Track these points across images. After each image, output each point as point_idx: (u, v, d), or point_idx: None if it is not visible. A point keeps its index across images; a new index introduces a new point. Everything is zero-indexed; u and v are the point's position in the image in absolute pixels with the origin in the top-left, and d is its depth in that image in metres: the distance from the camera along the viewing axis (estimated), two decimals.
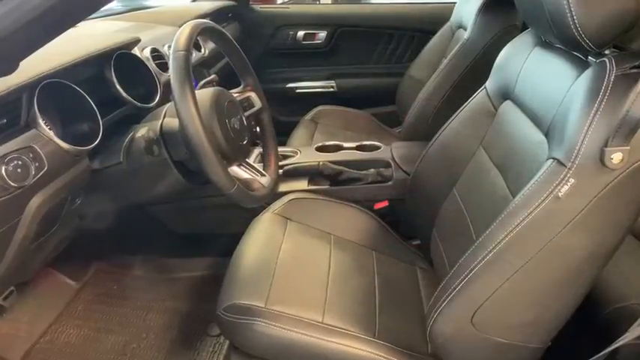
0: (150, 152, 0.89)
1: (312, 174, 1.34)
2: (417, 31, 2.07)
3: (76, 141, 0.86)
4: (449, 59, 1.42)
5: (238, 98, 1.02)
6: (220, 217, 1.34)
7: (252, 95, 1.07)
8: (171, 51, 0.80)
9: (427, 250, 1.13)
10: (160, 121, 0.92)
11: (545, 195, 0.62)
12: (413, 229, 1.26)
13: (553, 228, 0.63)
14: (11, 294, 1.10)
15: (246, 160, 0.98)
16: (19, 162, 0.72)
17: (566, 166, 0.60)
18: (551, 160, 0.64)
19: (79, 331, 1.23)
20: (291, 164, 1.35)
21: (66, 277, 1.36)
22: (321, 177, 1.34)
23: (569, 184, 0.60)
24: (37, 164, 0.76)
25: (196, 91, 0.89)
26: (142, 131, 0.89)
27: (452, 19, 1.73)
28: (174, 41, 0.80)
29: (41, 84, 0.79)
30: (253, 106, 1.06)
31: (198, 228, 1.43)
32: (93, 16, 1.52)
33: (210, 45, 1.69)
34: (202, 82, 1.03)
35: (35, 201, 0.79)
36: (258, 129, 1.18)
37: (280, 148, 1.41)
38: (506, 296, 0.69)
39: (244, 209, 1.07)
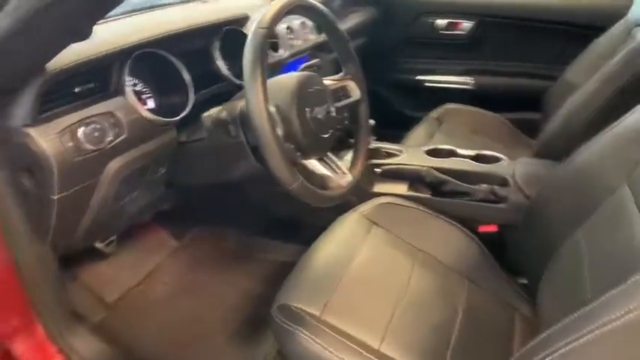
0: (226, 133, 0.87)
1: (413, 179, 1.20)
2: (581, 27, 1.70)
3: (168, 111, 0.88)
4: (615, 64, 1.12)
5: (334, 87, 0.94)
6: (307, 207, 1.29)
7: (351, 85, 0.97)
8: (252, 26, 0.75)
9: (535, 294, 0.92)
10: (243, 102, 0.89)
11: None
12: (522, 265, 1.04)
13: None
14: (112, 242, 1.22)
15: (329, 154, 0.90)
16: (98, 126, 0.75)
17: None
18: None
19: (166, 289, 1.32)
20: (392, 164, 1.22)
21: (168, 236, 1.46)
22: (423, 184, 1.19)
23: None
24: (116, 130, 0.79)
25: (281, 75, 0.84)
26: (214, 110, 0.86)
27: (630, 15, 1.37)
28: (260, 16, 0.75)
29: (135, 53, 0.81)
30: (349, 97, 0.96)
31: (289, 214, 1.41)
32: None
33: (351, 21, 1.63)
34: (303, 66, 0.97)
35: (113, 165, 0.83)
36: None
37: (386, 145, 1.30)
38: None
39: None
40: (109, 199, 0.87)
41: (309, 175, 0.82)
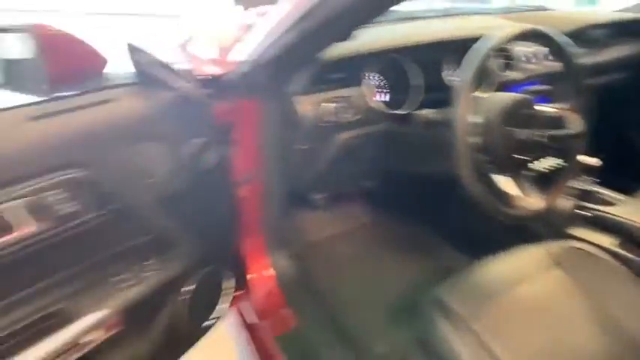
0: (434, 132, 0.98)
1: (623, 234, 1.09)
2: None
3: (398, 105, 1.06)
4: None
5: (552, 115, 0.94)
6: (496, 226, 1.30)
7: (572, 117, 0.95)
8: (477, 43, 0.84)
9: None
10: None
11: None
12: None
13: None
14: (324, 198, 1.51)
15: (524, 175, 0.92)
16: (339, 105, 1.00)
17: None
18: None
19: (349, 250, 1.53)
20: (602, 212, 1.13)
21: (364, 210, 1.68)
22: (634, 243, 1.06)
23: None
24: (353, 111, 1.02)
25: (500, 93, 0.90)
26: (428, 111, 0.99)
27: None
28: (493, 37, 0.84)
29: (378, 57, 1.02)
30: (564, 128, 0.95)
31: (476, 227, 1.43)
32: (477, 10, 1.66)
33: (612, 53, 1.54)
34: (524, 89, 1.01)
35: (342, 136, 1.07)
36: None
37: (603, 190, 1.19)
38: None
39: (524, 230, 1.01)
40: (332, 162, 1.12)
41: (496, 188, 0.88)
